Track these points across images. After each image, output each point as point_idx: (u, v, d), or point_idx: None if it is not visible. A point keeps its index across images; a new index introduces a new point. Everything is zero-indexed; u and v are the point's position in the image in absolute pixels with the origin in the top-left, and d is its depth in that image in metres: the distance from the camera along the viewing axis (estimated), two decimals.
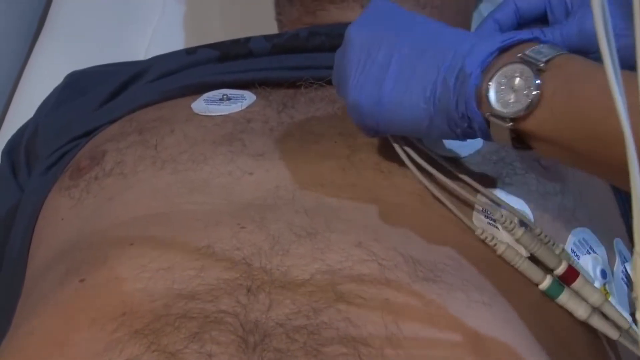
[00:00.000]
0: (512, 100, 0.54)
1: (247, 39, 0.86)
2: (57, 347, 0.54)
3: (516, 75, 0.54)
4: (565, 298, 0.60)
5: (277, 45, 0.84)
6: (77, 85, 0.91)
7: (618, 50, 0.41)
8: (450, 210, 0.63)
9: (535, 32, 0.61)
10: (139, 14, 1.18)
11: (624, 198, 0.76)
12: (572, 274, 0.61)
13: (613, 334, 0.60)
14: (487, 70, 0.56)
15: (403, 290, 0.55)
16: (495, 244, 0.61)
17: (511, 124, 0.55)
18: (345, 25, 0.85)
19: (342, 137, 0.71)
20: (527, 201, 0.65)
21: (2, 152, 0.90)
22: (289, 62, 0.82)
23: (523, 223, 0.62)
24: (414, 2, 0.88)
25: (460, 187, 0.64)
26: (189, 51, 0.87)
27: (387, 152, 0.68)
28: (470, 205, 0.64)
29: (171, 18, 1.18)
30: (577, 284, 0.61)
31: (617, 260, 0.68)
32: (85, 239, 0.66)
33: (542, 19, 0.74)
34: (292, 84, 0.79)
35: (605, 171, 0.54)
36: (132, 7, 1.18)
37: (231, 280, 0.55)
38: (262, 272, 0.56)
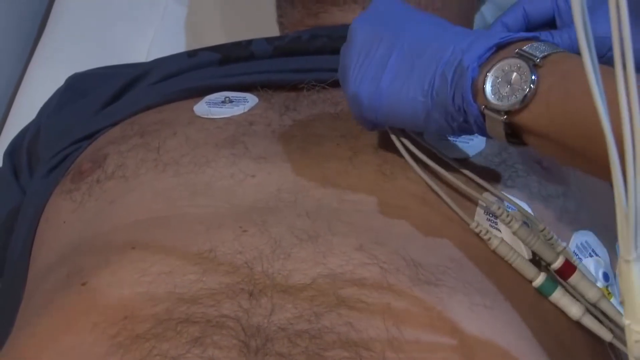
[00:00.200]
0: (507, 94, 0.55)
1: (249, 42, 0.86)
2: (58, 351, 0.54)
3: (513, 69, 0.55)
4: (558, 295, 0.60)
5: (278, 48, 0.84)
6: (78, 87, 0.91)
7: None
8: (447, 204, 0.64)
9: (544, 34, 0.62)
10: (140, 17, 1.18)
11: None
12: (569, 268, 0.61)
13: (606, 335, 0.60)
14: (484, 64, 0.57)
15: (404, 294, 0.55)
16: (489, 238, 0.61)
17: (506, 117, 0.56)
18: (347, 27, 0.85)
19: (345, 139, 0.71)
20: (529, 203, 0.65)
21: (4, 154, 0.90)
22: (291, 65, 0.82)
23: (525, 221, 0.62)
24: (414, 4, 0.88)
25: (461, 182, 0.64)
26: (190, 54, 0.87)
27: (389, 154, 0.68)
28: (473, 201, 0.64)
29: (172, 20, 1.18)
30: (574, 278, 0.60)
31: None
32: (87, 242, 0.66)
33: (550, 24, 0.74)
34: (294, 87, 0.79)
35: (599, 170, 0.55)
36: (134, 10, 1.18)
37: (233, 285, 0.55)
38: (263, 276, 0.55)
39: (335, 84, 0.78)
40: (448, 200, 0.63)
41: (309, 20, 0.89)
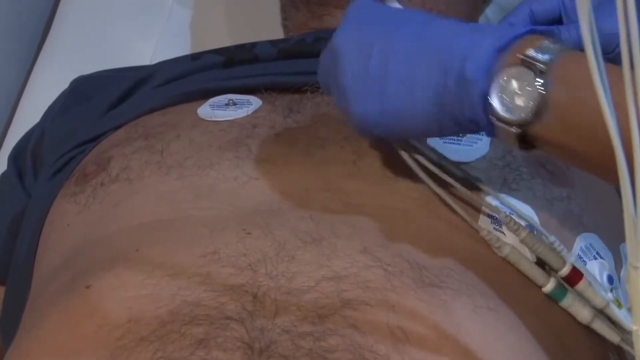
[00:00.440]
0: (517, 106, 0.53)
1: (253, 44, 0.86)
2: (62, 354, 0.54)
3: (519, 79, 0.53)
4: (569, 301, 0.60)
5: (283, 51, 0.84)
6: (82, 90, 0.91)
7: None
8: (455, 211, 0.63)
9: (552, 29, 0.59)
10: (144, 19, 1.18)
11: None
12: (576, 275, 0.61)
13: (614, 337, 0.60)
14: (489, 74, 0.54)
15: (408, 296, 0.55)
16: (499, 246, 0.61)
17: (518, 129, 0.54)
18: None
19: (348, 142, 0.71)
20: (534, 207, 0.65)
21: (9, 157, 0.90)
22: (295, 67, 0.82)
23: (529, 226, 0.62)
24: (419, 6, 0.88)
25: (466, 189, 0.64)
26: (194, 57, 0.87)
27: (393, 157, 0.67)
28: (476, 209, 0.64)
29: (177, 23, 1.18)
30: (581, 285, 0.60)
31: (624, 265, 0.67)
32: (91, 245, 0.66)
33: (557, 22, 0.73)
34: (298, 89, 0.79)
35: (616, 177, 0.54)
36: (138, 13, 1.18)
37: (237, 287, 0.55)
38: (267, 279, 0.55)
39: None
40: (455, 206, 0.63)
41: (313, 23, 0.89)
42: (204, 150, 0.71)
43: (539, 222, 0.64)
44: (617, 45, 0.42)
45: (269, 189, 0.66)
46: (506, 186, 0.67)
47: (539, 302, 0.60)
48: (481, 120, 0.55)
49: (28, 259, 0.75)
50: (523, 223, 0.61)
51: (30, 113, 1.03)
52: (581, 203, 0.69)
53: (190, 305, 0.54)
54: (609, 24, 0.53)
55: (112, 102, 0.85)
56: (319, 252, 0.58)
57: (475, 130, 0.57)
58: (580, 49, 0.48)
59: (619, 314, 0.60)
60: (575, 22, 0.70)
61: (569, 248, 0.64)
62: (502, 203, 0.64)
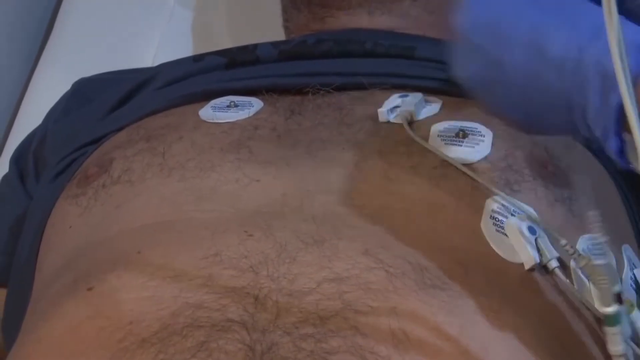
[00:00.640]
0: None
1: (254, 46, 0.86)
2: (64, 356, 0.54)
3: None
4: (617, 329, 0.56)
5: (284, 52, 0.84)
6: (84, 92, 0.91)
7: None
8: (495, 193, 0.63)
9: None
10: (146, 21, 1.18)
11: (632, 204, 0.75)
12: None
13: None
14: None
15: (410, 297, 0.55)
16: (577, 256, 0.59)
17: None
18: (352, 31, 0.85)
19: (350, 143, 0.71)
20: (536, 208, 0.65)
21: (11, 159, 0.91)
22: (296, 69, 0.82)
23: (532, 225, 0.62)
24: (422, 7, 0.88)
25: (468, 186, 0.64)
26: (196, 58, 0.88)
27: (394, 159, 0.68)
28: (478, 211, 0.64)
29: (178, 25, 1.18)
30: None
31: (626, 266, 0.67)
32: (93, 247, 0.66)
33: None
34: (300, 91, 0.79)
35: None
36: (140, 15, 1.19)
37: (238, 289, 0.55)
38: (269, 281, 0.55)
39: (341, 88, 0.78)
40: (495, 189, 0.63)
41: (315, 24, 0.89)
42: (205, 152, 0.71)
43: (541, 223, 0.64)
44: None
45: (270, 191, 0.66)
46: (508, 187, 0.67)
47: (541, 304, 0.60)
48: (611, 144, 0.53)
49: (30, 261, 0.75)
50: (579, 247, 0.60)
51: (32, 115, 1.03)
52: (583, 204, 0.69)
53: (192, 308, 0.54)
54: None
55: (113, 104, 0.85)
56: (320, 253, 0.58)
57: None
58: None
59: None
60: None
61: (571, 245, 0.64)
62: (506, 203, 0.64)
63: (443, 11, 0.87)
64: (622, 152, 0.53)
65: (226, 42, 0.90)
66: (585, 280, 0.61)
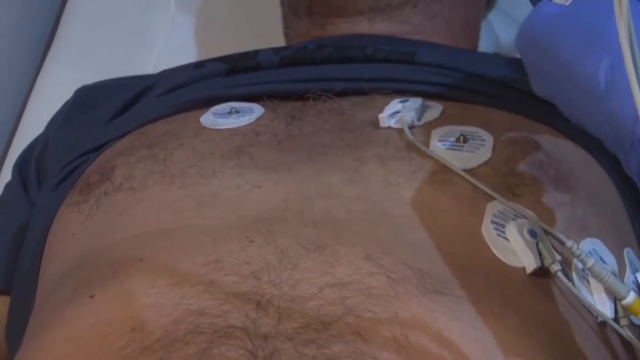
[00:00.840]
0: None
1: (255, 52, 0.86)
2: None
3: None
4: None
5: (285, 58, 0.85)
6: (86, 99, 0.92)
7: None
8: (496, 198, 0.63)
9: None
10: (148, 28, 1.19)
11: (633, 207, 0.75)
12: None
13: None
14: None
15: (412, 303, 0.55)
16: (584, 257, 0.59)
17: None
18: (352, 37, 0.86)
19: (351, 149, 0.71)
20: (537, 212, 0.65)
21: (13, 167, 0.91)
22: (297, 75, 0.82)
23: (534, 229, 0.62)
24: (423, 14, 0.88)
25: (469, 191, 0.64)
26: (197, 65, 0.88)
27: (395, 164, 0.68)
28: (479, 215, 0.64)
29: (180, 32, 1.19)
30: None
31: (628, 269, 0.67)
32: (95, 255, 0.66)
33: None
34: (300, 97, 0.79)
35: None
36: (141, 21, 1.19)
37: (240, 295, 0.55)
38: (271, 286, 0.56)
39: (341, 94, 0.78)
40: (496, 195, 0.63)
41: (315, 31, 0.89)
42: (206, 158, 0.71)
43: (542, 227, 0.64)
44: None
45: (271, 197, 0.66)
46: (509, 191, 0.67)
47: (542, 308, 0.60)
48: None
49: (32, 268, 0.75)
50: (584, 249, 0.60)
51: (35, 122, 1.04)
52: (584, 208, 0.69)
53: (194, 314, 0.54)
54: None
55: (115, 111, 0.85)
56: (321, 259, 0.58)
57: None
58: None
59: None
60: None
61: (577, 245, 0.64)
62: (507, 208, 0.64)
63: (444, 15, 0.87)
64: None
65: (227, 49, 0.90)
66: (588, 283, 0.61)
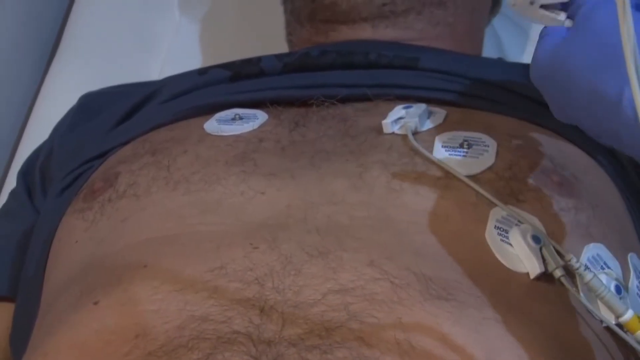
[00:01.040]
0: None
1: (259, 59, 0.86)
2: None
3: None
4: None
5: (288, 64, 0.85)
6: (91, 106, 0.92)
7: None
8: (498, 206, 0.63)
9: None
10: (152, 34, 1.19)
11: (636, 212, 0.75)
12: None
13: None
14: None
15: (415, 308, 0.55)
16: (582, 271, 0.60)
17: None
18: (355, 43, 0.86)
19: (354, 155, 0.71)
20: (541, 218, 0.65)
21: (18, 174, 0.91)
22: (301, 81, 0.82)
23: (537, 235, 0.62)
24: (426, 20, 0.88)
25: (472, 197, 0.64)
26: (200, 71, 0.88)
27: (398, 170, 0.68)
28: (482, 221, 0.64)
29: (185, 39, 1.19)
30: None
31: (632, 274, 0.67)
32: (99, 261, 0.66)
33: None
34: (304, 103, 0.79)
35: None
36: (146, 28, 1.19)
37: (244, 301, 0.55)
38: (274, 292, 0.56)
39: (345, 100, 0.78)
40: (498, 203, 0.63)
41: (318, 38, 0.89)
42: (210, 165, 0.71)
43: (545, 233, 0.64)
44: None
45: (275, 203, 0.66)
46: (513, 197, 0.66)
47: (546, 313, 0.60)
48: None
49: (37, 275, 0.75)
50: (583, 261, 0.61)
51: (40, 129, 1.04)
52: (588, 213, 0.69)
53: (198, 320, 0.54)
54: None
55: (119, 118, 0.85)
56: (325, 265, 0.58)
57: None
58: None
59: None
60: None
61: (577, 259, 0.64)
62: (510, 214, 0.64)
63: (448, 22, 0.88)
64: None
65: (231, 55, 0.90)
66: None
